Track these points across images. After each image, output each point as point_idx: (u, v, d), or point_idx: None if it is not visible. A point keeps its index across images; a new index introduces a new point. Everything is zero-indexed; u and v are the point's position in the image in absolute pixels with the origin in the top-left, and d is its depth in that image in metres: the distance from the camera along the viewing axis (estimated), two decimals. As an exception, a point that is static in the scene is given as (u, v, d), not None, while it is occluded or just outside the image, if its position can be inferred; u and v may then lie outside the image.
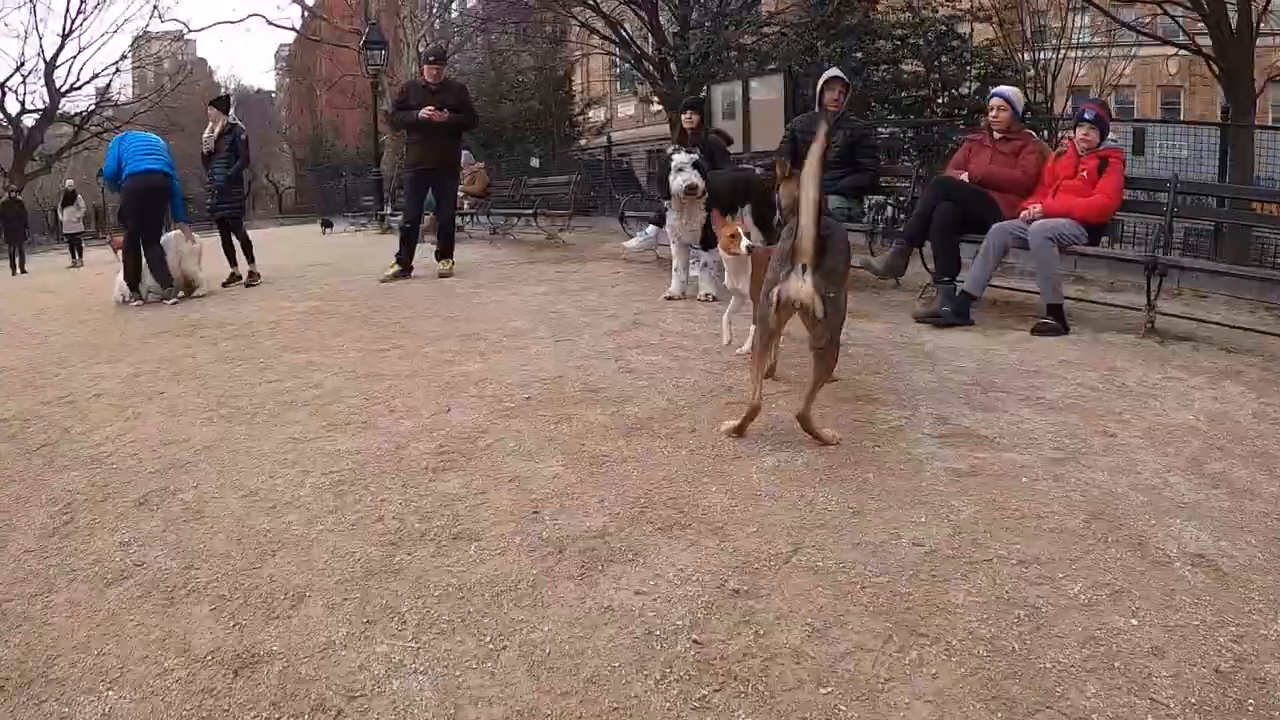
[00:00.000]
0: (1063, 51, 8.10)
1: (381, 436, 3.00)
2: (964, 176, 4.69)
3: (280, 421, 3.25)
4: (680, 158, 4.94)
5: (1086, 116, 4.62)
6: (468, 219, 10.87)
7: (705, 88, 8.19)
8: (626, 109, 23.83)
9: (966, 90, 8.05)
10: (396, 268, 6.79)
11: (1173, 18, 9.77)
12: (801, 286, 2.51)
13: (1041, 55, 8.25)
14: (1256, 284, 5.05)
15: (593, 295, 5.59)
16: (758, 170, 5.43)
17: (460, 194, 8.69)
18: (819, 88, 5.35)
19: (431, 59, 7.02)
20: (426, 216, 7.62)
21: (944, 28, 8.05)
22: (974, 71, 8.08)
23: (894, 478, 2.47)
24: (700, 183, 4.89)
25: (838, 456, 2.64)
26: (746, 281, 3.68)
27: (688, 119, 6.01)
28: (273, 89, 44.12)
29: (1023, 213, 4.45)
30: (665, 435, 2.87)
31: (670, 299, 5.19)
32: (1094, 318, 4.58)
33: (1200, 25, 9.38)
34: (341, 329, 4.91)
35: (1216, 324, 4.35)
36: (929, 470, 2.51)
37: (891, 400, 3.15)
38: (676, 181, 4.92)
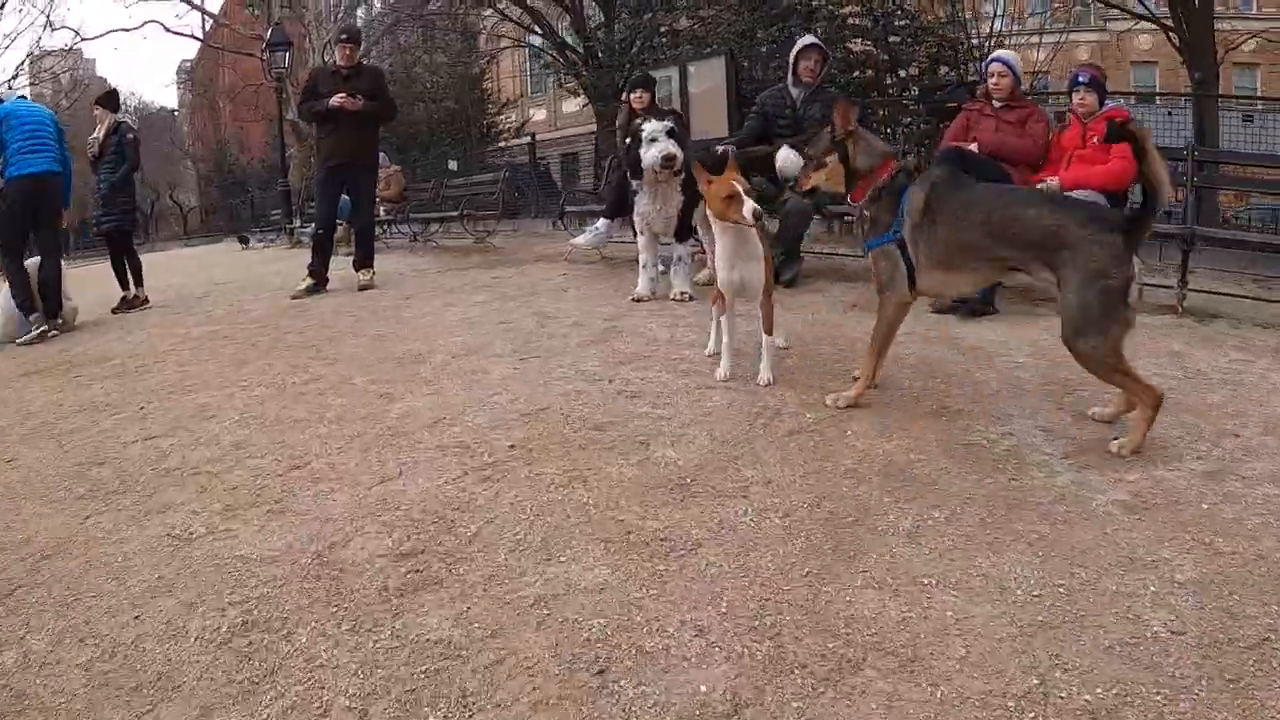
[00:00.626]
0: (993, 39, 7.66)
1: (306, 526, 1.92)
2: (973, 147, 3.97)
3: (156, 503, 2.13)
4: (653, 125, 3.97)
5: (1081, 79, 4.12)
6: (385, 227, 9.61)
7: (638, 72, 7.28)
8: (539, 113, 22.59)
9: (916, 70, 7.44)
10: (310, 281, 5.59)
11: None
12: None
13: (976, 40, 7.77)
14: (1236, 256, 4.94)
15: (543, 301, 4.58)
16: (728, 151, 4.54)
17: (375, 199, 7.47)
18: (793, 57, 4.52)
19: (345, 37, 5.79)
20: (340, 226, 6.40)
21: (891, 4, 7.41)
22: (924, 50, 7.48)
23: (1066, 525, 1.78)
24: (679, 153, 3.95)
25: (981, 501, 1.86)
26: (759, 269, 2.59)
27: (638, 98, 5.04)
28: (175, 106, 40.26)
29: (1038, 185, 3.78)
30: (735, 494, 1.89)
31: (639, 301, 4.25)
32: (1108, 297, 4.01)
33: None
34: (245, 358, 3.72)
35: (1228, 296, 4.06)
36: (1096, 508, 1.86)
37: (975, 411, 2.49)
38: (651, 153, 3.94)
